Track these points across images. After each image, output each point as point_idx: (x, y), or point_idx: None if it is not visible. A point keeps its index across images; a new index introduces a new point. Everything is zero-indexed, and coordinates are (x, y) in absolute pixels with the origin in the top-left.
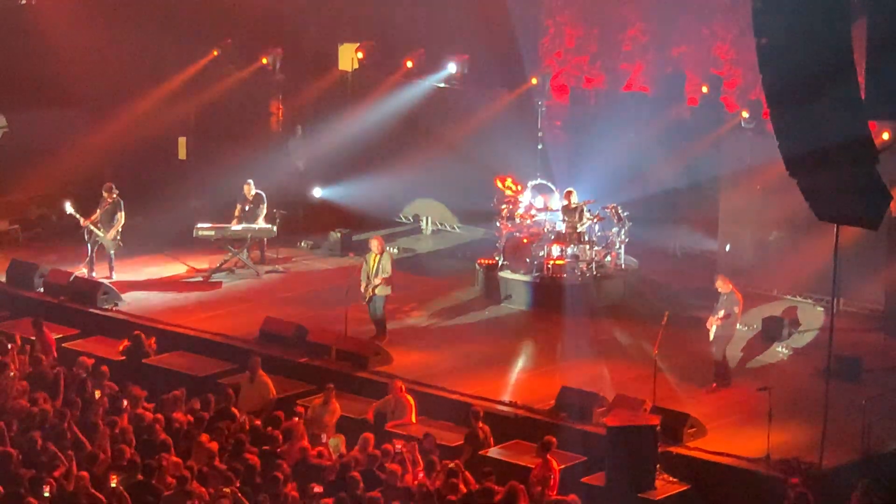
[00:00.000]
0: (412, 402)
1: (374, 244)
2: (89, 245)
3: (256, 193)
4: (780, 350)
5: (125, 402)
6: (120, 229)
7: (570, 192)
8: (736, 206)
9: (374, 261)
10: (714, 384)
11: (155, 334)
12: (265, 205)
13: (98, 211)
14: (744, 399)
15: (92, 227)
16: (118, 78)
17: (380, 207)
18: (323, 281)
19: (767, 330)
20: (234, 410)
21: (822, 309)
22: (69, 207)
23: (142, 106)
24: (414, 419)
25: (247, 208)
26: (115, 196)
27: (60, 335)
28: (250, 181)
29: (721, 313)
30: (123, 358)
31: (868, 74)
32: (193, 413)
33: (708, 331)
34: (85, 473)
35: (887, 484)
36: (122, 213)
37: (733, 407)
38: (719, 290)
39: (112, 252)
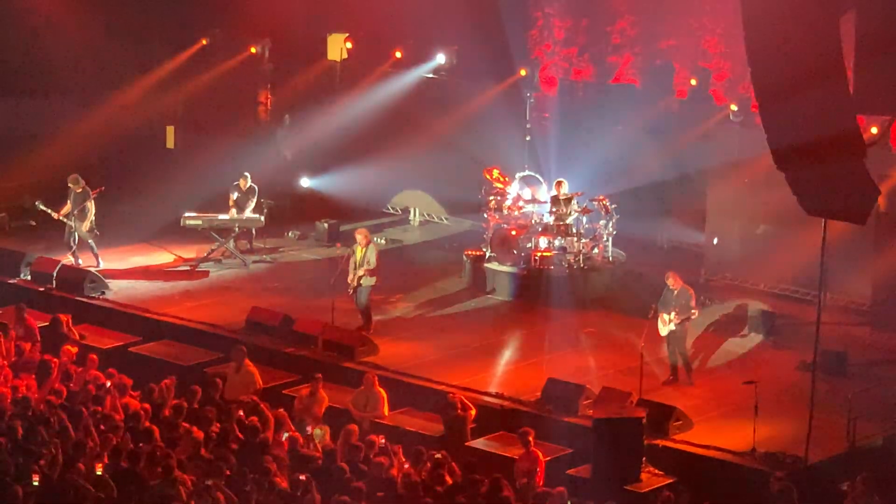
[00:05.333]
0: (384, 394)
1: (360, 237)
2: (70, 236)
3: (250, 186)
4: (756, 341)
5: (111, 391)
6: (93, 219)
7: (560, 183)
8: (724, 200)
9: (360, 252)
10: (689, 377)
11: (134, 323)
12: (256, 196)
13: (68, 203)
14: (730, 392)
15: (65, 220)
16: (107, 66)
17: (368, 198)
18: (310, 271)
19: (749, 322)
20: (220, 400)
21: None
22: (40, 205)
23: (130, 94)
24: (386, 412)
25: (235, 196)
26: (82, 186)
27: (46, 323)
28: (247, 174)
29: (684, 316)
30: (111, 346)
31: (856, 68)
32: (179, 402)
33: (658, 328)
34: (70, 464)
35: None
36: (92, 202)
37: (719, 400)
38: (669, 286)
39: (91, 242)
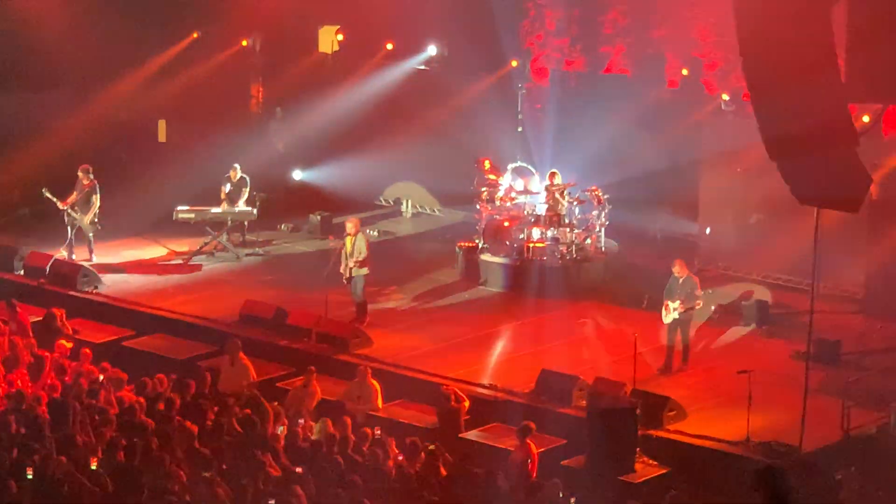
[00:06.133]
0: (378, 386)
1: (350, 226)
2: (69, 228)
3: (241, 177)
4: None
5: (105, 385)
6: (97, 212)
7: (553, 174)
8: (716, 189)
9: (350, 242)
10: (685, 364)
11: (128, 317)
12: (248, 188)
13: (75, 193)
14: (724, 382)
15: (69, 211)
16: (98, 60)
17: (360, 190)
18: (303, 263)
19: (744, 312)
20: (209, 393)
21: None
22: (46, 192)
23: (122, 88)
24: (380, 404)
25: (227, 189)
26: (90, 178)
27: (40, 318)
28: (236, 165)
29: (689, 305)
30: (105, 340)
31: (848, 57)
32: (172, 396)
33: (663, 316)
34: (64, 458)
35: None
36: (98, 195)
37: (713, 390)
38: (676, 274)
39: (91, 235)
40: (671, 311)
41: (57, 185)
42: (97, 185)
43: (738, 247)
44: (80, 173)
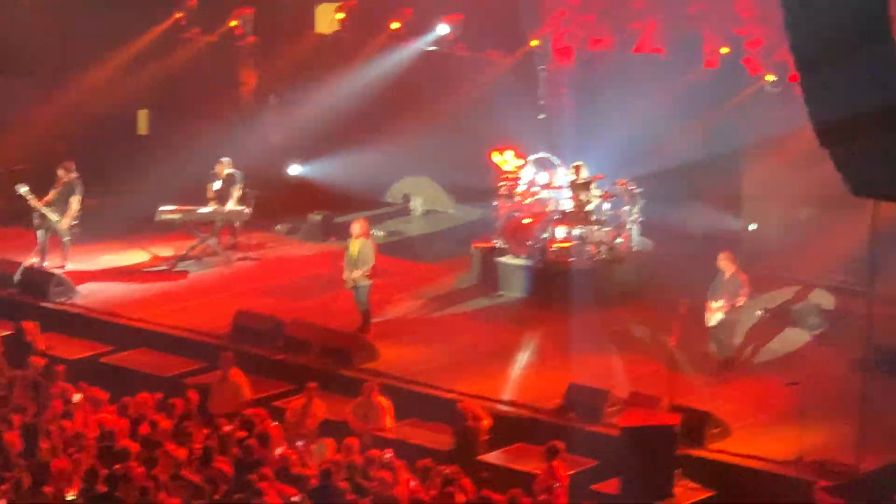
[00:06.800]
0: (387, 404)
1: (356, 227)
2: (41, 231)
3: (229, 173)
4: (806, 338)
5: (82, 406)
6: (75, 215)
7: (578, 167)
8: (761, 181)
9: (356, 246)
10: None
11: (106, 330)
12: (238, 185)
13: (52, 192)
14: (771, 395)
15: (45, 211)
16: (71, 45)
17: (364, 186)
18: (301, 269)
19: (797, 316)
20: (196, 414)
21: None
22: (21, 188)
23: (97, 75)
24: (389, 423)
25: (215, 187)
26: (72, 176)
27: (9, 332)
28: (224, 160)
29: (731, 304)
30: (80, 356)
31: None
32: (155, 419)
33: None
34: (40, 488)
35: None
36: (79, 196)
37: (760, 404)
38: (721, 268)
39: (66, 239)
40: (714, 312)
41: (24, 182)
42: (79, 185)
43: (787, 244)
44: (59, 171)
